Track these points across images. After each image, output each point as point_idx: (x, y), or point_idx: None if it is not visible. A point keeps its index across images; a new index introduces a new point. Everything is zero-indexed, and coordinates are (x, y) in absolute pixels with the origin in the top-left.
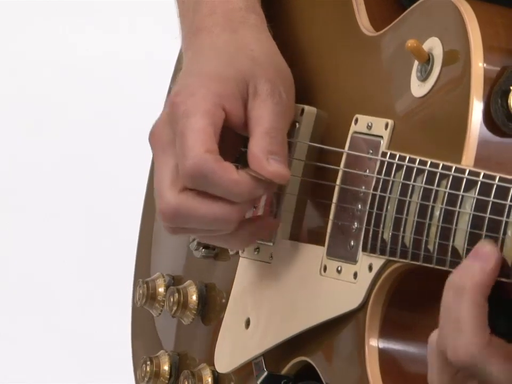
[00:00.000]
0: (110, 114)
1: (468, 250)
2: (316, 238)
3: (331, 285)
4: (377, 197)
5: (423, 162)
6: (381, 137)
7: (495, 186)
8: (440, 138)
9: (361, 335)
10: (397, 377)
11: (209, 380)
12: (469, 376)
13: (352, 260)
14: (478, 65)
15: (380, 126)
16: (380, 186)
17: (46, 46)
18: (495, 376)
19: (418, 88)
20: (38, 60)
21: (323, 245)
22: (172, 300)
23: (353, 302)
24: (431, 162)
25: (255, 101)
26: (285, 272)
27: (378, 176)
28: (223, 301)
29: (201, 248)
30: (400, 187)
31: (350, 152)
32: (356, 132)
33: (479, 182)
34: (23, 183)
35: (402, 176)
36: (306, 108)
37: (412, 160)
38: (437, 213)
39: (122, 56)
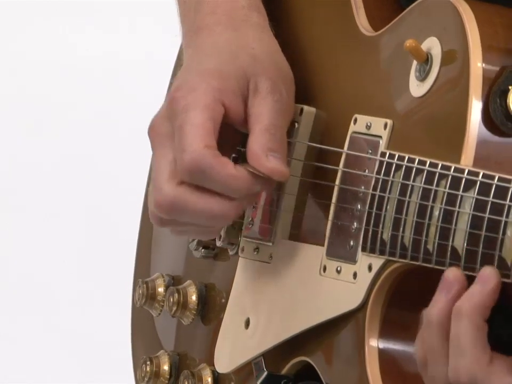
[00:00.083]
0: (110, 114)
1: (467, 251)
2: (315, 238)
3: (331, 285)
4: (377, 197)
5: (422, 162)
6: (380, 137)
7: (494, 186)
8: (439, 138)
9: (361, 335)
10: (396, 377)
11: (209, 380)
12: None
13: (352, 260)
14: (477, 65)
15: (379, 126)
16: (379, 186)
17: (46, 46)
18: None
19: (417, 88)
20: (38, 60)
21: (323, 245)
22: (171, 300)
23: (353, 302)
24: (430, 162)
25: (255, 98)
26: (284, 272)
27: (378, 176)
28: (223, 301)
29: (201, 248)
30: (399, 187)
31: (349, 152)
32: (355, 132)
33: (478, 182)
34: (23, 183)
35: (401, 176)
36: (305, 107)
37: (411, 160)
38: (436, 213)
39: (122, 56)
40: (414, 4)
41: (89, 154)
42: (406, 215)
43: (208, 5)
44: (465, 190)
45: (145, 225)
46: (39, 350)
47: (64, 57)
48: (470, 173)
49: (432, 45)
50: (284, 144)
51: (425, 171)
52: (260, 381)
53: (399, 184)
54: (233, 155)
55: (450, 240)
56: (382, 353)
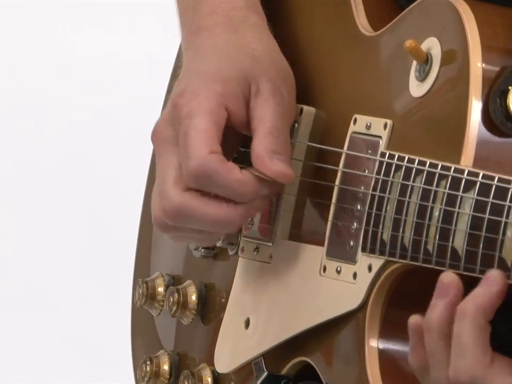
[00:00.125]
0: (110, 114)
1: (467, 251)
2: (315, 238)
3: (331, 285)
4: (376, 197)
5: (422, 163)
6: (380, 137)
7: (494, 186)
8: (439, 138)
9: (361, 336)
10: (396, 378)
11: (209, 380)
12: None
13: (352, 260)
14: (477, 65)
15: (379, 126)
16: (379, 187)
17: (46, 46)
18: None
19: (417, 88)
20: (38, 60)
21: (322, 245)
22: (171, 299)
23: (353, 303)
24: (430, 163)
25: (257, 100)
26: (284, 273)
27: (377, 176)
28: (223, 300)
29: (201, 248)
30: (399, 187)
31: (349, 152)
32: (354, 132)
33: (478, 183)
34: (23, 183)
35: (401, 177)
36: (305, 107)
37: (410, 161)
38: (436, 213)
39: (122, 56)
40: (413, 4)
41: (89, 154)
42: (406, 215)
43: (207, 5)
44: (465, 191)
45: (145, 225)
46: (39, 350)
47: (64, 57)
48: (470, 173)
49: (432, 45)
50: (287, 146)
51: (425, 171)
52: (260, 381)
53: (399, 185)
54: (234, 155)
55: (450, 241)
56: (382, 353)
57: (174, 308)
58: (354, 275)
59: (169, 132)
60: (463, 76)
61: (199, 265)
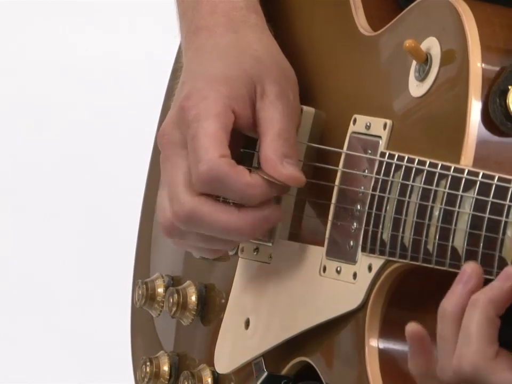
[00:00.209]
0: (110, 114)
1: (467, 251)
2: (315, 238)
3: (330, 285)
4: (376, 197)
5: (421, 162)
6: (380, 137)
7: (494, 186)
8: (439, 138)
9: (361, 335)
10: (397, 377)
11: (209, 380)
12: None
13: (352, 260)
14: (476, 65)
15: (378, 126)
16: (379, 187)
17: (46, 46)
18: None
19: (417, 88)
20: (38, 60)
21: (322, 245)
22: (171, 300)
23: (353, 302)
24: (429, 162)
25: (263, 101)
26: (284, 273)
27: (377, 176)
28: (223, 301)
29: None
30: (399, 187)
31: (348, 152)
32: (354, 132)
33: (478, 182)
34: (23, 183)
35: (401, 176)
36: (305, 108)
37: (410, 160)
38: (436, 213)
39: (122, 56)
40: (413, 4)
41: (89, 154)
42: (406, 215)
43: (206, 5)
44: (465, 190)
45: (145, 226)
46: (39, 350)
47: (64, 57)
48: (469, 173)
49: (432, 45)
50: (296, 149)
51: (425, 171)
52: (260, 381)
53: (399, 184)
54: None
55: (450, 241)
56: (382, 353)
57: (174, 309)
58: (354, 275)
59: (177, 134)
60: (462, 75)
61: (199, 266)
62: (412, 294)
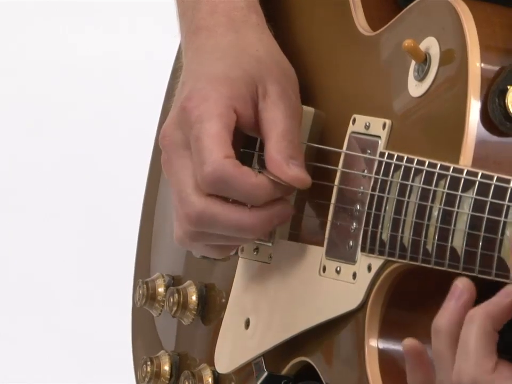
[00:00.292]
0: (110, 114)
1: (466, 251)
2: (314, 238)
3: (330, 285)
4: (376, 197)
5: (421, 162)
6: (379, 137)
7: (493, 186)
8: (438, 138)
9: (360, 336)
10: (396, 377)
11: (210, 380)
12: None
13: (351, 260)
14: (475, 65)
15: (378, 126)
16: (378, 187)
17: (46, 46)
18: None
19: (416, 88)
20: (38, 60)
21: (322, 245)
22: (171, 300)
23: (353, 303)
24: (429, 162)
25: (266, 102)
26: (284, 273)
27: (376, 176)
28: (223, 301)
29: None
30: (398, 187)
31: (348, 152)
32: (353, 132)
33: (477, 182)
34: (23, 183)
35: (400, 177)
36: (304, 107)
37: (409, 160)
38: (435, 213)
39: (122, 56)
40: (412, 4)
41: (89, 154)
42: (405, 215)
43: (206, 5)
44: (464, 190)
45: (145, 226)
46: (39, 350)
47: (64, 57)
48: (468, 173)
49: (431, 45)
50: (301, 150)
51: (424, 171)
52: (260, 381)
53: (398, 185)
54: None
55: (449, 241)
56: (382, 353)
57: (174, 308)
58: (354, 275)
59: (179, 135)
60: (461, 75)
61: (199, 266)
62: (411, 294)
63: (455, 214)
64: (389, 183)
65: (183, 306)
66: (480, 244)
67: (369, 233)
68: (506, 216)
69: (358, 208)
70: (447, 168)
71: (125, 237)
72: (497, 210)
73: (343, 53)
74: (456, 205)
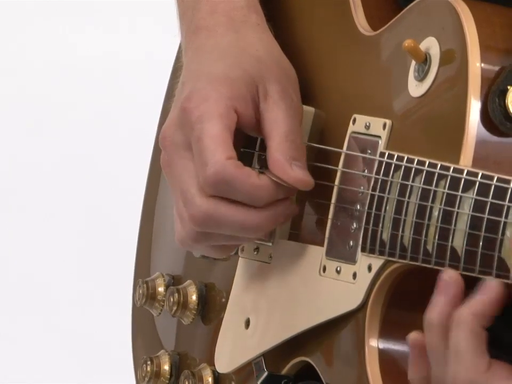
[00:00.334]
0: (110, 114)
1: (467, 251)
2: (315, 238)
3: (330, 285)
4: (376, 197)
5: (421, 163)
6: (379, 137)
7: (493, 186)
8: (438, 138)
9: (361, 336)
10: (397, 377)
11: (210, 379)
12: None
13: (351, 260)
14: (476, 65)
15: (378, 126)
16: (378, 187)
17: (46, 46)
18: None
19: (416, 88)
20: (38, 60)
21: (322, 245)
22: (171, 299)
23: (353, 303)
24: (429, 163)
25: (267, 102)
26: (284, 273)
27: (377, 176)
28: (223, 300)
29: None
30: (398, 187)
31: (348, 152)
32: (354, 132)
33: (477, 183)
34: (23, 183)
35: (400, 177)
36: (304, 107)
37: (410, 160)
38: (435, 213)
39: (122, 56)
40: (412, 4)
41: (89, 154)
42: (405, 215)
43: (206, 4)
44: (464, 191)
45: (145, 225)
46: (39, 350)
47: (64, 57)
48: (469, 173)
49: (431, 45)
50: (304, 151)
51: (424, 171)
52: (260, 381)
53: (398, 185)
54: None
55: (450, 241)
56: (382, 353)
57: (175, 308)
58: (354, 275)
59: (180, 136)
60: (461, 75)
61: (199, 265)
62: (412, 294)
63: (455, 214)
64: (389, 183)
65: (183, 306)
66: (481, 243)
67: (370, 233)
68: (506, 217)
69: (358, 208)
70: (447, 168)
71: (125, 236)
72: (498, 211)
73: (343, 52)
74: (457, 205)
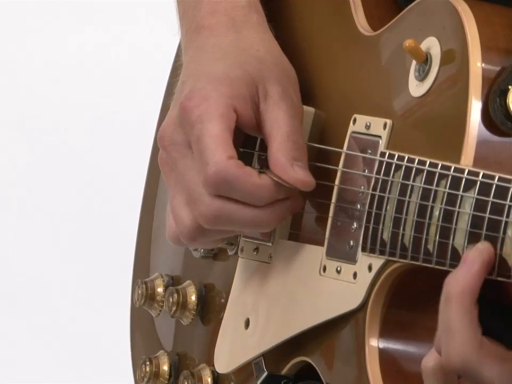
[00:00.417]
0: (110, 114)
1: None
2: (315, 238)
3: (331, 285)
4: (376, 197)
5: (422, 162)
6: (380, 137)
7: (494, 186)
8: (439, 138)
9: (361, 335)
10: (397, 377)
11: (209, 380)
12: (463, 379)
13: (352, 260)
14: (476, 65)
15: (378, 126)
16: (379, 186)
17: (46, 46)
18: (486, 377)
19: (417, 88)
20: (38, 60)
21: (322, 245)
22: (171, 300)
23: (353, 302)
24: (430, 162)
25: (267, 102)
26: (284, 273)
27: (377, 176)
28: (222, 301)
29: (200, 248)
30: (399, 187)
31: (348, 152)
32: (354, 132)
33: (479, 182)
34: (22, 182)
35: (401, 176)
36: (304, 107)
37: (410, 160)
38: (436, 212)
39: (122, 56)
40: (413, 4)
41: (89, 154)
42: (406, 215)
43: (208, 4)
44: (465, 190)
45: (145, 225)
46: (38, 351)
47: (64, 57)
48: (470, 173)
49: (432, 45)
50: (305, 151)
51: (425, 171)
52: (260, 381)
53: (399, 184)
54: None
55: (451, 240)
56: (382, 353)
57: (174, 308)
58: (355, 275)
59: (179, 135)
60: (462, 75)
61: (199, 266)
62: (412, 294)
63: (456, 213)
64: (389, 183)
65: (182, 306)
66: None
67: (370, 232)
68: (507, 216)
69: (359, 207)
70: (448, 168)
71: (124, 237)
72: (499, 210)
73: (343, 52)
74: (458, 204)
